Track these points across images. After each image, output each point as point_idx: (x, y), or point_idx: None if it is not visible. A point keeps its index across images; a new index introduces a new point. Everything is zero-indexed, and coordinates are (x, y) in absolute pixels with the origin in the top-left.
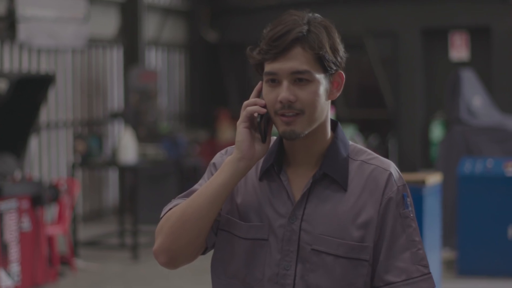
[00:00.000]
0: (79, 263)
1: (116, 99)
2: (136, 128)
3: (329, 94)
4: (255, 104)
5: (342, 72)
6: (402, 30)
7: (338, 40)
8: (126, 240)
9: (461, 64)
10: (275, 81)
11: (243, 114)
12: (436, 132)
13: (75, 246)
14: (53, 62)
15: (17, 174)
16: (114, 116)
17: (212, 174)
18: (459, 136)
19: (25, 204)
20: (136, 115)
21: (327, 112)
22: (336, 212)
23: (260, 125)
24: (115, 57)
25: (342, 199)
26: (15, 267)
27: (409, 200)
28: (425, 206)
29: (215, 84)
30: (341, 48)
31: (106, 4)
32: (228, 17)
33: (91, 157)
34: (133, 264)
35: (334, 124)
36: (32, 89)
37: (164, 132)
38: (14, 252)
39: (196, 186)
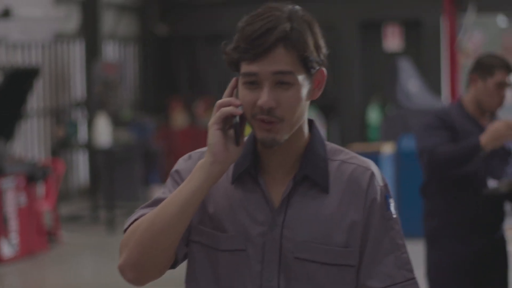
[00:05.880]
0: (64, 235)
1: (79, 89)
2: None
3: (310, 94)
4: (229, 104)
5: (323, 69)
6: (341, 23)
7: (320, 35)
8: (100, 215)
9: (395, 54)
10: (254, 83)
11: (217, 115)
12: (372, 115)
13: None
14: (26, 56)
15: (14, 155)
16: (78, 105)
17: (176, 182)
18: (398, 117)
19: (22, 181)
20: (100, 104)
21: (305, 113)
22: (319, 216)
23: (237, 128)
24: (77, 50)
25: (324, 202)
26: (14, 238)
27: (392, 201)
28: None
29: (166, 74)
30: (323, 44)
31: (69, 2)
32: (178, 12)
33: (68, 141)
34: (110, 236)
35: (309, 123)
36: (19, 80)
37: (127, 118)
38: (13, 225)
39: (160, 195)
